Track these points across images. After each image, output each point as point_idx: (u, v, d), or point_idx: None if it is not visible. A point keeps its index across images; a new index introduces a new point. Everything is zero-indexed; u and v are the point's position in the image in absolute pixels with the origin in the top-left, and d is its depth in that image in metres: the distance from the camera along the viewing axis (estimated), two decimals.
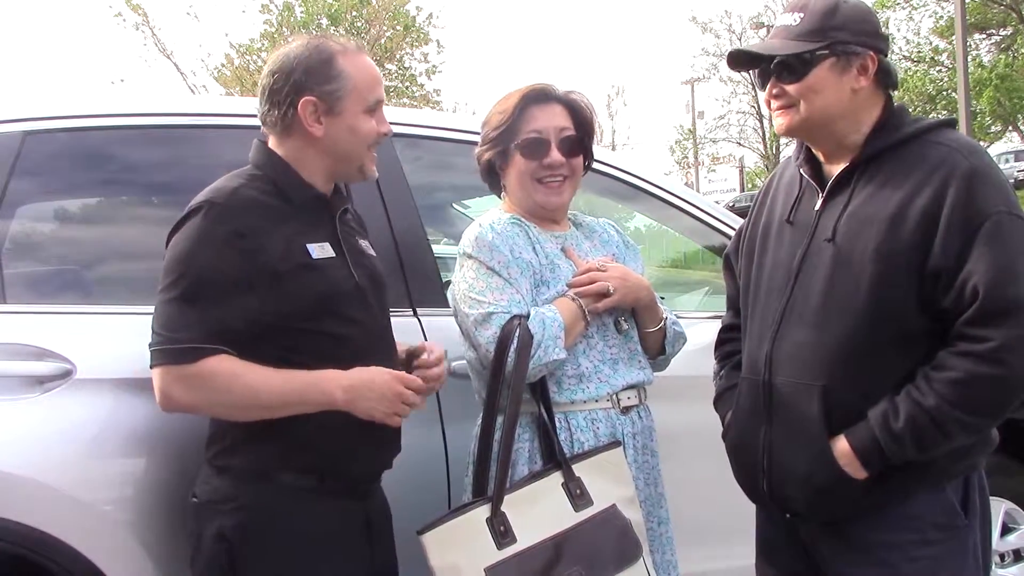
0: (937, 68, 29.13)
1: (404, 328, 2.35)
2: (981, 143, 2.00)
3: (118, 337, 2.15)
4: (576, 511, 1.97)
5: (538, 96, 2.20)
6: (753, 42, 1.94)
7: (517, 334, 1.98)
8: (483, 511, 1.91)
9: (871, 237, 1.73)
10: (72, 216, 2.57)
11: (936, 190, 1.69)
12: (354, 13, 22.59)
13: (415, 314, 2.41)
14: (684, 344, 2.31)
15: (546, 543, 1.91)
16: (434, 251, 2.62)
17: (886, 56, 1.84)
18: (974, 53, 28.19)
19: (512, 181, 2.23)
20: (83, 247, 2.47)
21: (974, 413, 1.68)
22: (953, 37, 21.47)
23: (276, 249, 1.80)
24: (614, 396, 2.14)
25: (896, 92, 1.91)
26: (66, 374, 2.04)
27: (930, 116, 2.00)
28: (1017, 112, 27.03)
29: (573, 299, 2.10)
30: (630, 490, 2.06)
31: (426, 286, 2.47)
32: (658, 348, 2.25)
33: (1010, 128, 29.73)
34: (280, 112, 1.87)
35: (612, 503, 2.00)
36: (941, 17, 29.05)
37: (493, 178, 2.28)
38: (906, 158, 1.77)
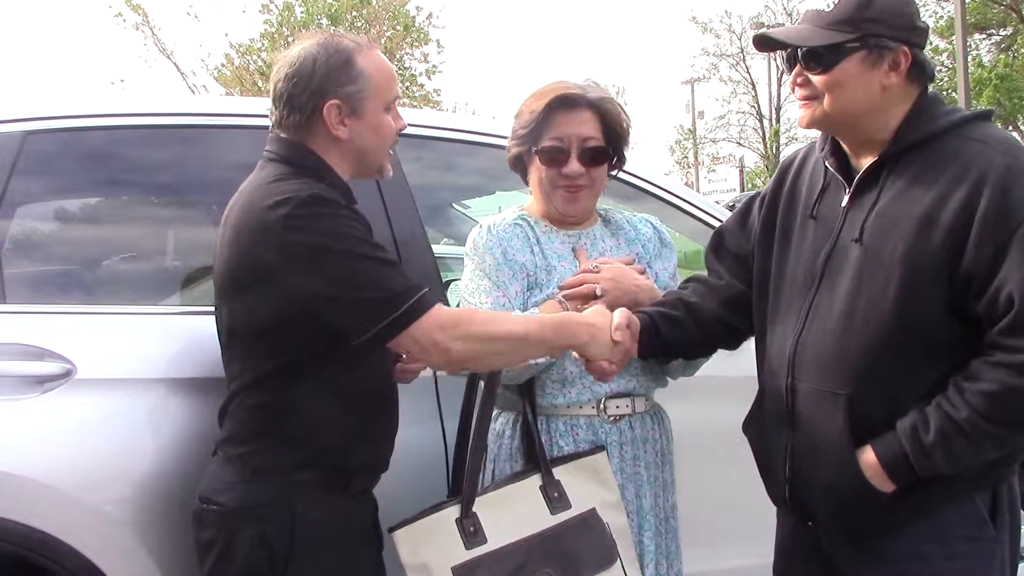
0: (937, 68, 29.06)
1: None
2: None
3: (118, 337, 2.16)
4: (552, 514, 1.96)
5: (565, 102, 2.14)
6: (780, 28, 1.82)
7: None
8: (454, 511, 1.92)
9: (901, 239, 1.65)
10: (72, 216, 2.58)
11: (970, 190, 1.59)
12: (354, 13, 22.56)
13: None
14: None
15: (518, 544, 1.91)
16: (434, 251, 2.62)
17: (922, 49, 1.73)
18: (974, 53, 28.17)
19: (533, 182, 2.21)
20: (83, 247, 2.48)
21: (1008, 426, 1.60)
22: (953, 37, 21.46)
23: None
24: (599, 404, 2.11)
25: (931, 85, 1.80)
26: (66, 374, 2.04)
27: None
28: (1017, 112, 26.99)
29: (560, 302, 2.07)
30: (613, 495, 2.04)
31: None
32: None
33: (1010, 128, 29.74)
34: (303, 116, 1.83)
35: (592, 507, 1.99)
36: (941, 17, 29.03)
37: (522, 171, 2.26)
38: (938, 154, 1.67)
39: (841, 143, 1.82)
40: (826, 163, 1.84)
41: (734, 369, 2.25)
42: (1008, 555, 1.74)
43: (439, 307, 1.76)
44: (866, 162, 1.76)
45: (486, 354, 1.84)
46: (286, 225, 1.70)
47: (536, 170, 2.18)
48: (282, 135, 1.88)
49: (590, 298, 2.07)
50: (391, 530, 1.89)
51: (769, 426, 1.87)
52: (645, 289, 2.14)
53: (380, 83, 1.86)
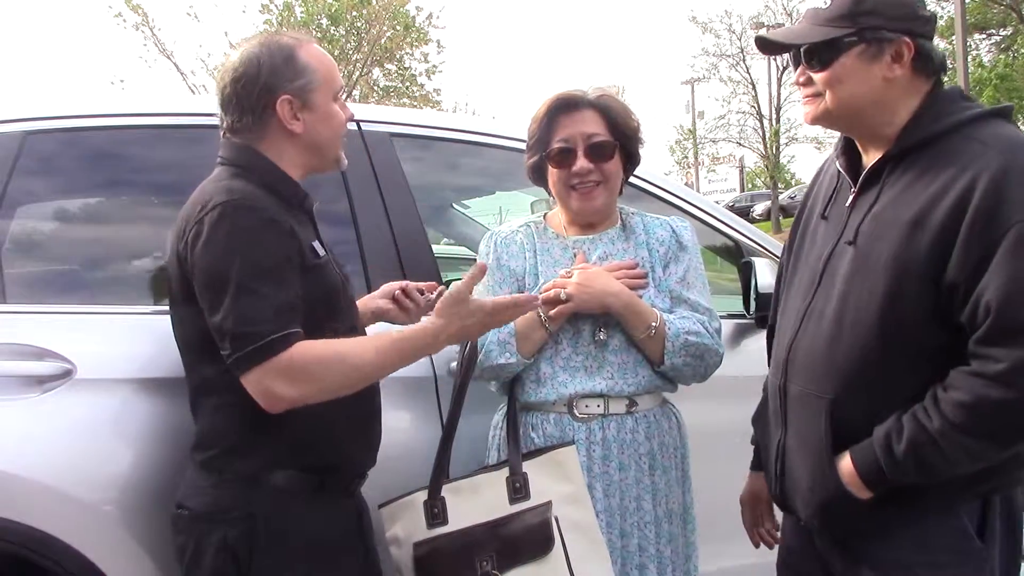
0: None
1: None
2: None
3: (118, 337, 2.16)
4: (511, 504, 2.05)
5: (565, 105, 2.21)
6: (779, 29, 1.82)
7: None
8: (423, 494, 2.06)
9: (890, 242, 1.60)
10: (72, 216, 2.57)
11: (961, 193, 1.53)
12: (354, 13, 22.59)
13: None
14: (706, 354, 2.16)
15: (473, 529, 2.03)
16: (434, 251, 2.62)
17: (930, 39, 1.69)
18: (974, 53, 28.22)
19: (551, 188, 2.27)
20: (83, 247, 2.48)
21: (980, 438, 1.55)
22: (953, 37, 21.49)
23: (299, 242, 1.79)
24: (569, 403, 2.15)
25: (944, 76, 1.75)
26: (66, 374, 2.04)
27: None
28: (1017, 112, 27.03)
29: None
30: (575, 488, 2.07)
31: None
32: (658, 357, 2.16)
33: None
34: (255, 116, 1.84)
35: (548, 500, 2.05)
36: (941, 17, 29.04)
37: (542, 181, 2.30)
38: (940, 155, 1.62)
39: (855, 141, 1.79)
40: (836, 162, 1.82)
41: (738, 369, 2.25)
42: (1001, 568, 1.68)
43: (285, 354, 1.67)
44: (873, 161, 1.73)
45: (332, 389, 1.75)
46: (196, 230, 1.73)
47: (551, 175, 2.24)
48: (234, 140, 1.88)
49: (558, 302, 2.12)
50: (380, 506, 2.05)
51: (768, 423, 1.89)
52: (616, 293, 2.13)
53: (324, 74, 1.89)
